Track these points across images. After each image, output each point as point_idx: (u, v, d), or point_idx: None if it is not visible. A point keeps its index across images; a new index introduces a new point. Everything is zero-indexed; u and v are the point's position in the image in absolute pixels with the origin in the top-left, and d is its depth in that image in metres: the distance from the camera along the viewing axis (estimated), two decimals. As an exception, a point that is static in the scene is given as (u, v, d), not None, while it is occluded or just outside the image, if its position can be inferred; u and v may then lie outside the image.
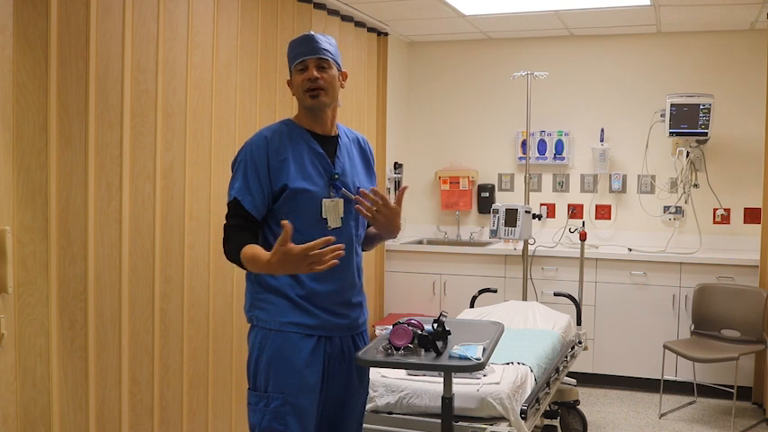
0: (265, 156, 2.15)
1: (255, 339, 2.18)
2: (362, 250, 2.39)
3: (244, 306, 2.27)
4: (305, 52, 2.21)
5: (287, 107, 3.78)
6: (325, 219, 2.19)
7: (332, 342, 2.22)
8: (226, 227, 2.17)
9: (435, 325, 2.28)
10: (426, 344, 2.24)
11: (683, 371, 4.69)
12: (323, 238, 1.96)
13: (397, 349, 2.21)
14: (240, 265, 2.12)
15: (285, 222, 1.95)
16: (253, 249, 2.08)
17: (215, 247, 3.22)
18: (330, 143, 2.27)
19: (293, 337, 2.15)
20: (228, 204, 2.18)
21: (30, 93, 2.27)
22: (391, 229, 2.28)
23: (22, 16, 2.23)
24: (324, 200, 2.19)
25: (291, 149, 2.19)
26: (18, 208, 2.24)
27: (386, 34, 5.17)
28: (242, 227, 2.15)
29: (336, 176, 2.23)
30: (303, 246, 1.93)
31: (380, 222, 2.24)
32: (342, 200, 2.22)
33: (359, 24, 4.74)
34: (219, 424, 3.30)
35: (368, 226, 2.41)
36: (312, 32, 2.25)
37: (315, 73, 2.19)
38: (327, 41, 2.24)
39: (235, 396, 3.41)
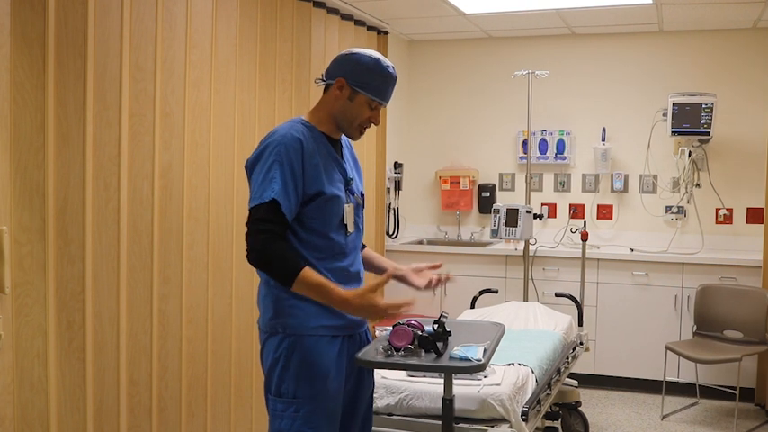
0: (301, 159, 2.09)
1: (281, 346, 2.14)
2: None
3: (261, 316, 2.21)
4: (387, 98, 2.23)
5: (286, 106, 3.76)
6: (346, 224, 2.20)
7: (352, 339, 2.24)
8: (262, 231, 2.04)
9: (436, 326, 2.26)
10: (427, 345, 2.22)
11: (686, 372, 4.67)
12: (406, 302, 2.08)
13: (398, 350, 2.20)
14: (279, 278, 2.06)
15: (390, 273, 2.18)
16: (318, 277, 2.06)
17: (214, 247, 3.20)
18: (337, 147, 2.27)
19: (323, 341, 2.14)
20: (260, 206, 2.05)
21: (27, 91, 2.25)
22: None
23: (19, 14, 2.22)
24: (344, 205, 2.20)
25: (319, 154, 2.16)
26: (15, 208, 2.23)
27: (386, 33, 5.15)
28: (277, 234, 2.06)
29: (351, 181, 2.25)
30: (389, 303, 2.08)
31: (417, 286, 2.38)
32: (353, 204, 2.25)
33: (358, 23, 4.72)
34: (218, 425, 3.29)
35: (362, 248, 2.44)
36: (395, 71, 2.23)
37: (379, 119, 2.25)
38: None
39: (233, 397, 3.39)
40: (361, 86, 2.16)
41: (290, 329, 2.14)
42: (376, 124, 2.26)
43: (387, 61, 2.21)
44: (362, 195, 2.33)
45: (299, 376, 2.11)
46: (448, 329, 2.27)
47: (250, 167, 2.14)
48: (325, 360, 2.14)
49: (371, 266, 2.45)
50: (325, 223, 2.15)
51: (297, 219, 2.13)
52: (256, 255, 2.04)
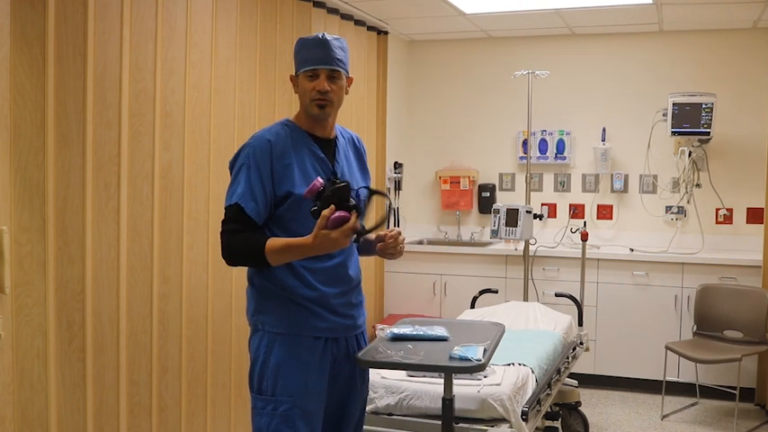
0: (269, 160, 2.11)
1: (261, 343, 2.16)
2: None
3: (246, 311, 2.24)
4: (318, 60, 2.15)
5: (286, 106, 3.76)
6: None
7: (337, 343, 2.23)
8: (226, 231, 2.11)
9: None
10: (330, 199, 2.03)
11: (686, 372, 4.67)
12: (354, 225, 2.02)
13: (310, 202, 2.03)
14: (255, 262, 2.10)
15: (325, 213, 1.98)
16: (280, 240, 2.08)
17: (214, 247, 3.20)
18: (329, 145, 2.24)
19: (302, 341, 2.14)
20: (227, 208, 2.12)
21: (27, 91, 2.25)
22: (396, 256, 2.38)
23: (19, 14, 2.22)
24: None
25: (295, 154, 2.15)
26: (15, 208, 2.23)
27: (386, 33, 5.15)
28: (244, 232, 2.10)
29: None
30: (341, 229, 2.00)
31: (392, 256, 2.36)
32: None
33: (359, 23, 4.72)
34: (218, 425, 3.29)
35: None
36: (327, 36, 2.18)
37: (326, 86, 2.15)
38: (341, 47, 2.20)
39: (233, 397, 3.39)
40: (297, 69, 2.20)
41: (270, 327, 2.15)
42: (323, 91, 2.15)
43: (315, 34, 2.21)
44: (358, 194, 2.26)
45: (277, 374, 2.12)
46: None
47: (230, 170, 2.19)
48: (304, 360, 2.13)
49: (364, 249, 2.41)
50: (303, 224, 2.11)
51: (275, 221, 2.14)
52: (223, 253, 2.12)
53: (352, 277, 2.26)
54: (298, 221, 2.13)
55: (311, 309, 2.16)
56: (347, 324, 2.24)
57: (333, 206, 2.00)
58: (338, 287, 2.21)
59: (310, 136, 2.21)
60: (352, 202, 2.04)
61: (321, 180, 2.04)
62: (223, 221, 2.13)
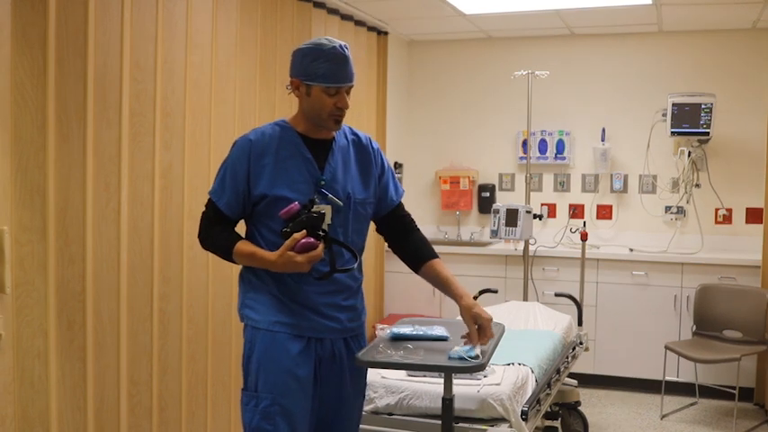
0: (246, 160, 2.14)
1: (247, 338, 2.19)
2: (419, 272, 2.42)
3: (237, 305, 2.28)
4: (342, 78, 2.11)
5: (286, 106, 3.76)
6: None
7: (322, 344, 2.20)
8: (204, 217, 2.22)
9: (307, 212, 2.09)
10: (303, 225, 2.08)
11: (685, 372, 4.67)
12: (319, 254, 2.07)
13: (287, 222, 2.08)
14: (223, 257, 2.21)
15: (296, 235, 2.05)
16: (249, 247, 2.15)
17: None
18: (323, 147, 2.21)
19: (281, 338, 2.13)
20: (208, 199, 2.22)
21: (28, 92, 2.25)
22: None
23: (20, 15, 2.22)
24: None
25: (276, 154, 2.15)
26: (16, 208, 2.23)
27: (386, 33, 5.16)
28: (219, 222, 2.20)
29: (323, 183, 2.17)
30: (306, 255, 2.05)
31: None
32: (329, 206, 2.15)
33: (359, 23, 4.72)
34: (218, 425, 3.29)
35: (392, 242, 2.50)
36: (346, 51, 2.12)
37: (348, 102, 2.15)
38: (351, 58, 2.16)
39: (234, 397, 3.39)
40: (310, 79, 2.11)
41: (252, 322, 2.17)
42: (345, 108, 2.14)
43: (330, 42, 2.11)
44: (349, 197, 2.22)
45: (258, 370, 2.13)
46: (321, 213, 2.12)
47: None
48: (284, 357, 2.12)
49: (440, 285, 2.43)
50: (282, 223, 2.10)
51: (257, 218, 2.18)
52: (199, 235, 2.25)
53: (339, 280, 2.20)
54: (274, 220, 2.13)
55: (290, 306, 2.15)
56: (330, 326, 2.20)
57: (305, 231, 2.06)
58: (322, 286, 2.17)
59: (303, 138, 2.18)
60: (323, 233, 2.09)
61: (298, 204, 2.08)
62: (204, 208, 2.25)
